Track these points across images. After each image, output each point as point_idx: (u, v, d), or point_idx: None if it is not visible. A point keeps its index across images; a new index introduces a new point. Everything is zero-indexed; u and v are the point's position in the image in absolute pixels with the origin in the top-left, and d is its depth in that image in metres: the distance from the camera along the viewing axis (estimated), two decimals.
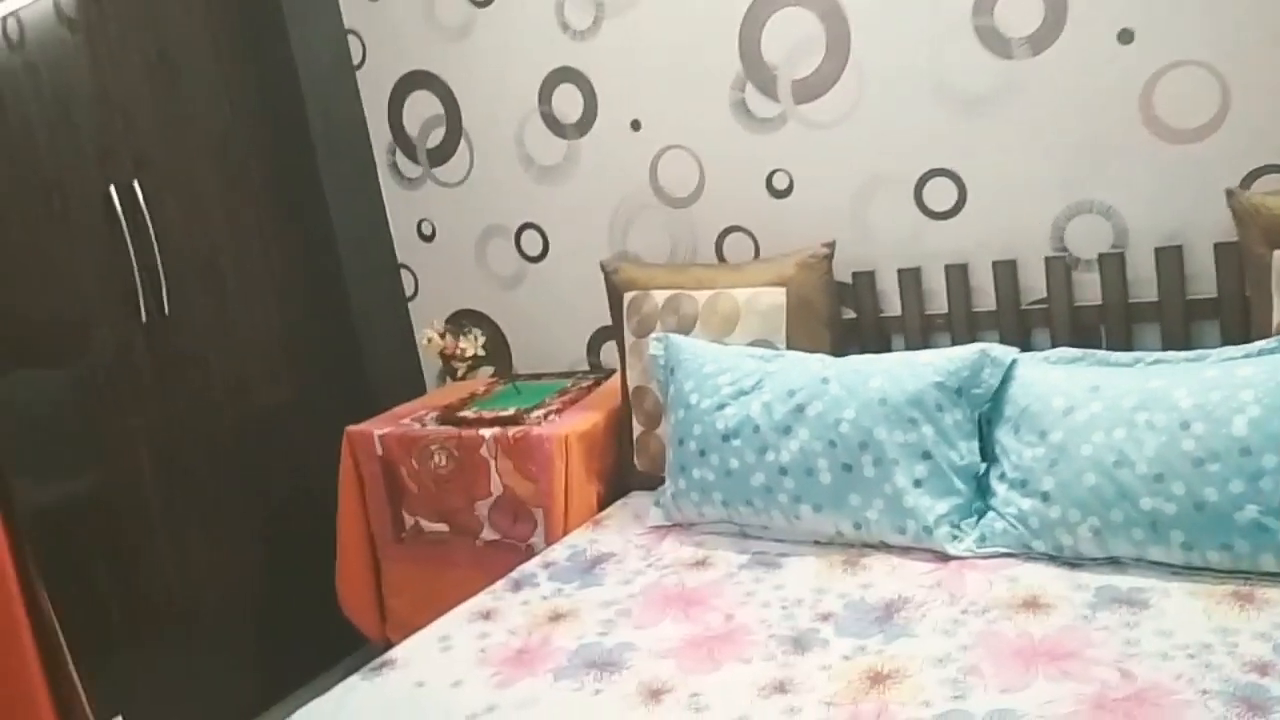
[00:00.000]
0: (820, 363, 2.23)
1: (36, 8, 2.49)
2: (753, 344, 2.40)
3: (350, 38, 3.15)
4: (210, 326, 2.86)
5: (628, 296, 2.59)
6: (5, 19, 2.44)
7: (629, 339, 2.59)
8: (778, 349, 2.38)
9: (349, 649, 3.16)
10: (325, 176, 3.08)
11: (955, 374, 2.08)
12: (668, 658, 1.81)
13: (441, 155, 3.10)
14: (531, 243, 3.03)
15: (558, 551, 2.32)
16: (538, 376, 3.00)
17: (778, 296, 2.40)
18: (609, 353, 2.98)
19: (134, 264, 2.64)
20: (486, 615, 2.07)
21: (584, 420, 2.60)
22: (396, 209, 3.25)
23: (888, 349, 2.48)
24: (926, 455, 2.05)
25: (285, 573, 3.01)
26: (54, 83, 2.52)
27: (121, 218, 2.62)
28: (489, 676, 1.83)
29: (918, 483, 2.04)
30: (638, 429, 2.59)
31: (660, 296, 2.53)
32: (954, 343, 2.39)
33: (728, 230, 2.70)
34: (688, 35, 2.61)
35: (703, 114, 2.64)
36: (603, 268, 2.67)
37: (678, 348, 2.40)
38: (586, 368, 3.03)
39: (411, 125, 3.13)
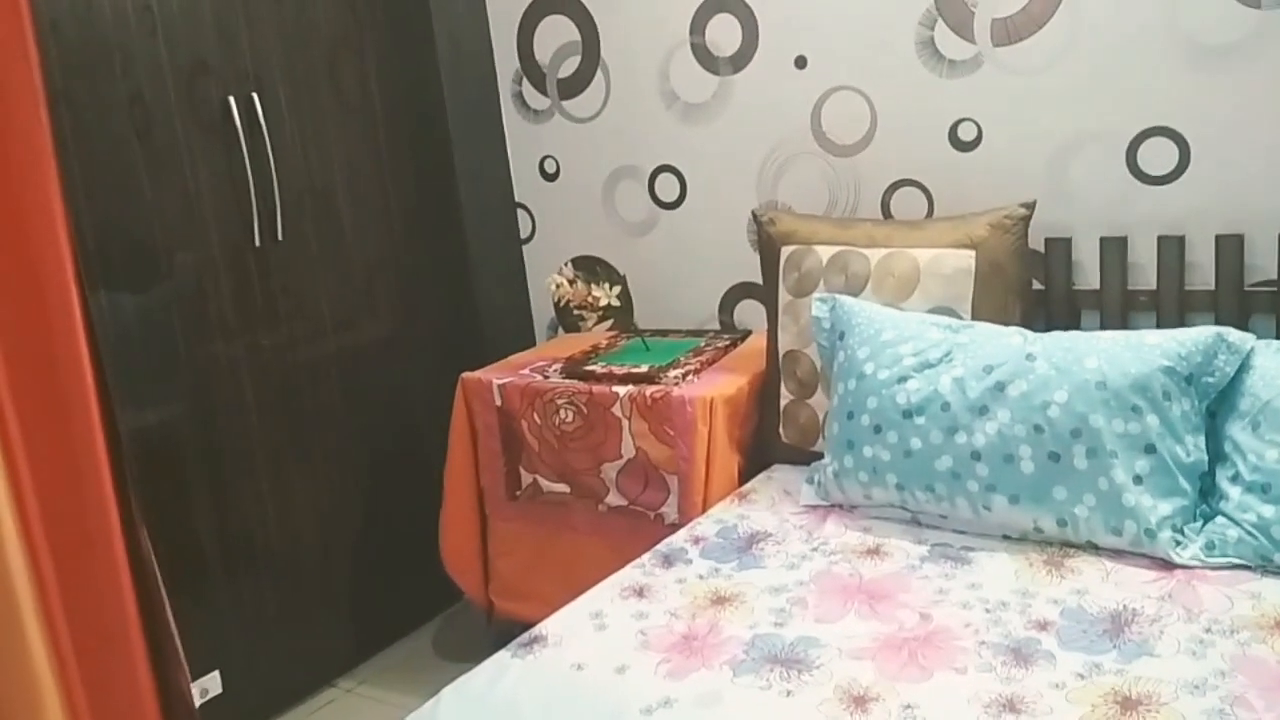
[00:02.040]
0: (1021, 337, 1.99)
1: None
2: (932, 311, 2.16)
3: None
4: (322, 256, 2.65)
5: (785, 250, 2.35)
6: None
7: (784, 297, 2.35)
8: (962, 319, 2.14)
9: (444, 604, 3.00)
10: (450, 105, 2.85)
11: (1187, 359, 1.83)
12: (862, 659, 1.59)
13: (574, 87, 2.86)
14: (667, 187, 2.79)
15: (705, 525, 2.11)
16: (664, 333, 2.77)
17: (965, 260, 2.16)
18: (745, 311, 2.75)
19: (251, 183, 2.44)
20: (639, 592, 1.86)
21: (727, 383, 2.38)
22: (519, 144, 3.01)
23: (1077, 326, 2.23)
24: (1150, 449, 1.81)
25: (385, 520, 2.83)
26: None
27: (240, 133, 2.41)
28: (656, 664, 1.62)
29: (1138, 479, 1.80)
30: (786, 397, 2.36)
31: (825, 252, 2.29)
32: (1160, 324, 2.15)
33: (898, 184, 2.45)
34: None
35: (882, 53, 2.39)
36: (755, 217, 2.43)
37: (848, 311, 2.17)
38: (718, 326, 2.80)
39: (543, 53, 2.89)
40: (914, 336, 2.06)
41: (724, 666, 1.60)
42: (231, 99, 2.41)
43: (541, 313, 3.12)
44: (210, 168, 2.39)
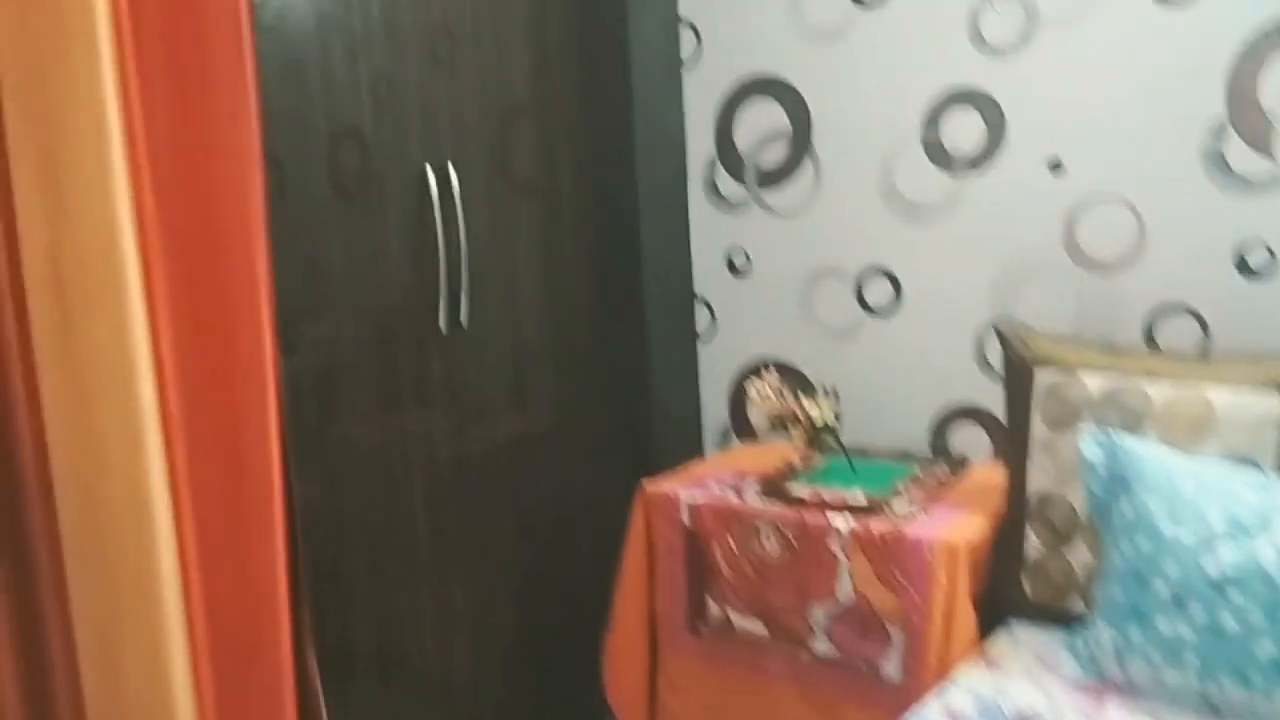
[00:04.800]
0: None
1: None
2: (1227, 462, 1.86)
3: (683, 29, 2.71)
4: (501, 343, 2.43)
5: (1041, 376, 2.07)
6: None
7: (1039, 430, 2.05)
8: (1264, 473, 1.83)
9: None
10: (641, 188, 2.63)
11: None
12: None
13: (776, 177, 2.63)
14: (878, 292, 2.52)
15: (957, 696, 1.79)
16: (865, 452, 2.48)
17: (1274, 407, 1.86)
18: (962, 436, 2.46)
19: (442, 261, 2.22)
20: None
21: (965, 524, 2.08)
22: (705, 233, 2.78)
23: None
24: None
25: (538, 634, 2.55)
26: (374, 57, 2.13)
27: (436, 205, 2.21)
28: None
29: None
30: (1035, 545, 2.05)
31: (1093, 382, 2.00)
32: None
33: (1166, 309, 2.16)
34: (1153, 63, 2.11)
35: (1156, 161, 2.12)
36: (1000, 335, 2.15)
37: (1134, 455, 1.87)
38: (929, 451, 2.51)
39: (744, 139, 2.67)
40: (1221, 492, 1.75)
41: None
42: (428, 167, 2.21)
43: (713, 416, 2.85)
44: (403, 240, 2.19)
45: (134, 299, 1.42)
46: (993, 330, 2.35)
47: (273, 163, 1.94)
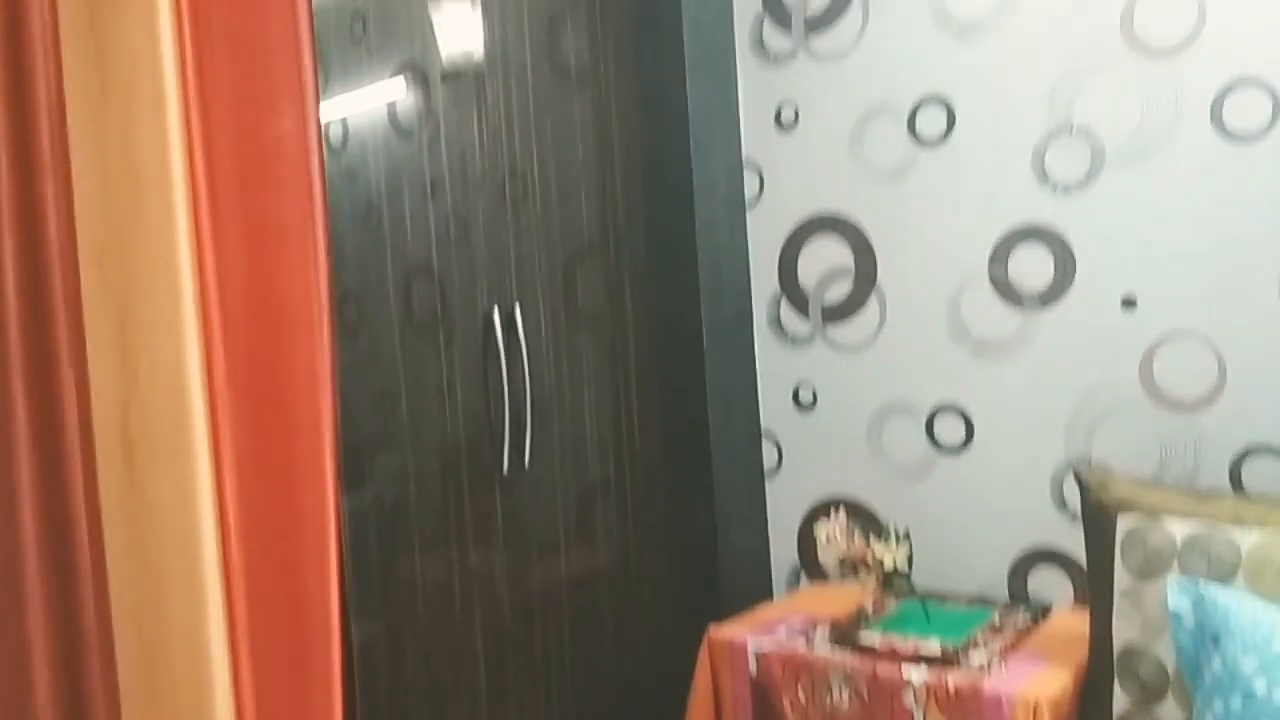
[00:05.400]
0: None
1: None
2: None
3: (746, 171, 2.75)
4: (565, 481, 2.42)
5: (1124, 521, 1.98)
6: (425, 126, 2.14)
7: (1122, 579, 1.96)
8: None
9: None
10: (706, 325, 2.64)
11: None
12: None
13: (841, 313, 2.62)
14: (949, 429, 2.47)
15: None
16: (941, 597, 2.40)
17: None
18: (1042, 582, 2.36)
19: (505, 403, 2.24)
20: None
21: (1046, 679, 1.97)
22: (771, 369, 2.76)
23: None
24: None
25: None
26: (446, 199, 2.20)
27: (501, 348, 2.24)
28: None
29: None
30: (1122, 701, 1.94)
31: (1177, 528, 1.91)
32: None
33: (1252, 451, 2.08)
34: (1225, 198, 2.07)
35: (1235, 297, 2.07)
36: (1078, 477, 2.08)
37: (1223, 608, 1.76)
38: (1006, 596, 2.41)
39: (808, 275, 2.67)
40: None
41: None
42: (495, 306, 2.24)
43: (782, 555, 2.79)
44: (468, 382, 2.21)
45: (200, 458, 1.45)
46: (1070, 471, 2.27)
47: (348, 299, 2.01)
